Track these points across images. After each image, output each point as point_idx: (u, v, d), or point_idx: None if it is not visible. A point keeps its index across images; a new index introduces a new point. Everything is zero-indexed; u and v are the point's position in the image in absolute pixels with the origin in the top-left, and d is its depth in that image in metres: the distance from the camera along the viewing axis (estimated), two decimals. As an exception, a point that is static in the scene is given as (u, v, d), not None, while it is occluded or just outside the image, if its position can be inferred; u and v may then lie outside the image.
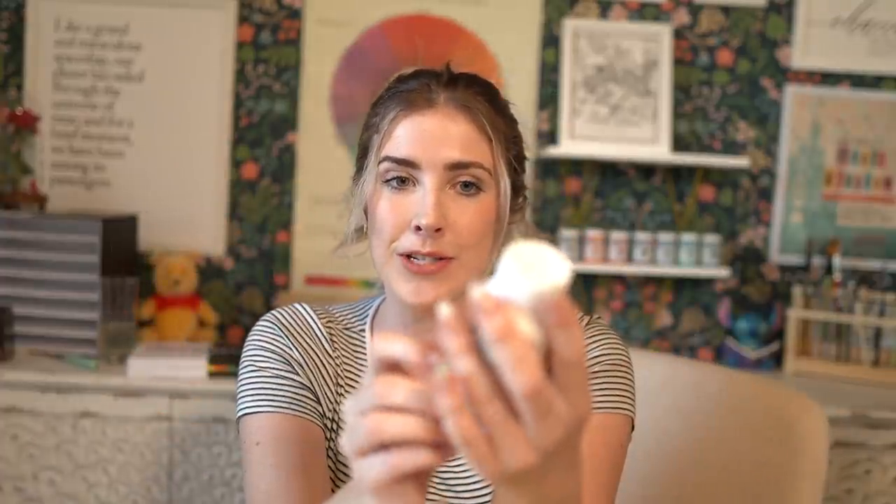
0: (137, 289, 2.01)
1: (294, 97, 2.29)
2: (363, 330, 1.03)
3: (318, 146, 2.29)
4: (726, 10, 2.33)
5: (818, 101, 2.35)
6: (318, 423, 0.94)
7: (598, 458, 0.91)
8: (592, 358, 0.98)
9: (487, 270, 0.93)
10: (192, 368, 1.88)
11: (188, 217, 2.29)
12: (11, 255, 2.01)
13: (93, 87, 2.26)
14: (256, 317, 2.29)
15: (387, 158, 0.90)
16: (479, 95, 0.93)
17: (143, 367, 1.87)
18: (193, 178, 2.29)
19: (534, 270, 0.52)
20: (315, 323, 1.00)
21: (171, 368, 1.87)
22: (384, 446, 0.53)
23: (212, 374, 1.89)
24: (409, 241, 0.88)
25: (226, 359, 1.91)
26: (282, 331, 0.98)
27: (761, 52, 2.35)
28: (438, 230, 0.87)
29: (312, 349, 0.98)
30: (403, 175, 0.90)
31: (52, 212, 2.19)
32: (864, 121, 2.35)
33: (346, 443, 0.55)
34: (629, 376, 0.99)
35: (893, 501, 1.93)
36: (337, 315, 1.04)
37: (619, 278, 2.35)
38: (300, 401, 0.94)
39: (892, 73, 2.34)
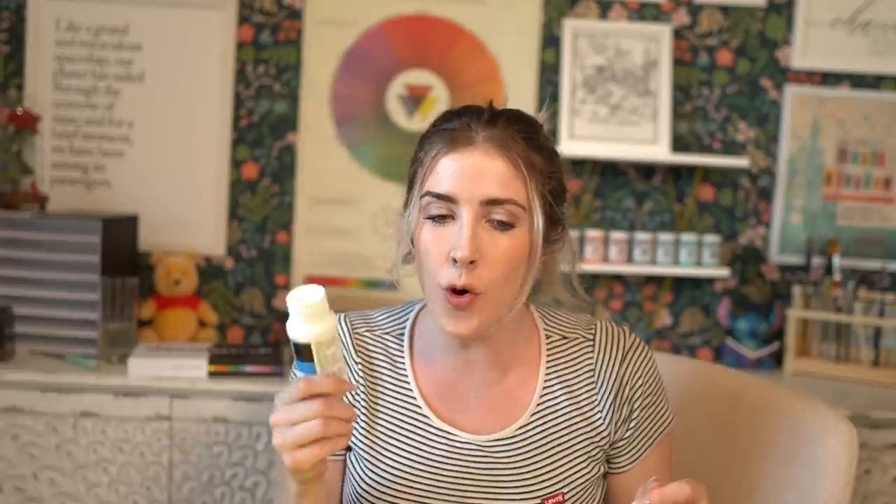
0: (137, 289, 2.02)
1: (294, 97, 2.29)
2: (402, 335, 1.09)
3: (318, 146, 2.30)
4: (726, 10, 2.34)
5: (818, 102, 2.35)
6: (335, 457, 1.07)
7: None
8: (632, 388, 1.06)
9: (520, 300, 1.00)
10: (192, 368, 1.88)
11: (188, 217, 2.29)
12: (11, 255, 2.01)
13: (93, 87, 2.26)
14: (257, 317, 2.30)
15: (428, 193, 0.97)
16: (518, 133, 0.98)
17: (143, 367, 1.87)
18: (193, 178, 2.29)
19: (307, 312, 0.83)
20: (347, 338, 1.09)
21: (171, 368, 1.87)
22: (298, 438, 0.82)
23: (212, 374, 1.89)
24: (448, 275, 0.95)
25: (226, 359, 1.91)
26: None
27: (761, 53, 2.35)
28: (472, 262, 0.93)
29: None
30: (444, 212, 0.96)
31: (53, 212, 2.19)
32: (863, 121, 2.35)
33: (276, 443, 0.84)
34: (662, 385, 1.10)
35: (893, 501, 1.93)
36: (378, 321, 1.11)
37: (619, 278, 2.35)
38: None
39: (892, 73, 2.34)
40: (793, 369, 2.21)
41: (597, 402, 1.05)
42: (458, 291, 0.95)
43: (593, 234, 2.23)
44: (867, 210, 2.37)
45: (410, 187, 1.02)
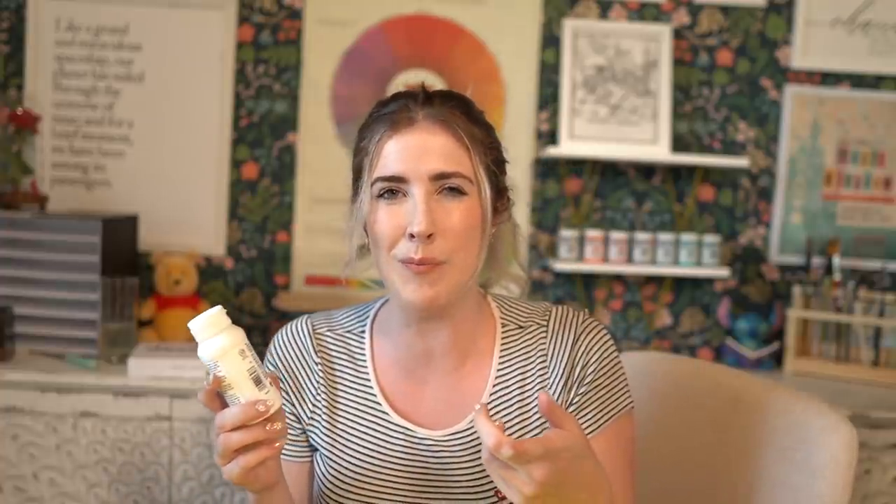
0: (137, 289, 2.02)
1: (294, 97, 2.29)
2: (363, 331, 1.10)
3: (318, 146, 2.30)
4: (726, 10, 2.34)
5: (818, 101, 2.35)
6: (300, 459, 1.10)
7: (618, 463, 1.03)
8: (583, 368, 1.04)
9: (477, 268, 1.01)
10: (192, 368, 1.88)
11: (188, 217, 2.29)
12: (11, 255, 2.01)
13: (93, 87, 2.26)
14: (256, 317, 2.30)
15: (378, 179, 0.98)
16: (455, 109, 1.00)
17: (143, 367, 1.87)
18: (193, 178, 2.29)
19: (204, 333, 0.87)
20: (308, 340, 1.11)
21: (171, 368, 1.88)
22: (237, 451, 0.87)
23: (212, 374, 1.89)
24: (405, 249, 0.96)
25: (226, 359, 1.91)
26: (276, 367, 1.12)
27: (761, 53, 2.35)
28: (430, 236, 0.95)
29: (300, 371, 1.10)
30: (394, 188, 0.97)
31: (53, 212, 2.19)
32: (863, 121, 2.35)
33: (217, 459, 0.88)
34: (621, 370, 1.07)
35: (893, 501, 1.93)
36: (341, 319, 1.13)
37: (619, 278, 2.35)
38: (290, 444, 1.09)
39: (892, 73, 2.34)
40: (793, 369, 2.21)
41: (548, 386, 1.04)
42: (417, 264, 0.96)
43: (593, 234, 2.23)
44: (867, 210, 2.37)
45: (357, 177, 1.03)
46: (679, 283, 2.37)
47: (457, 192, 0.97)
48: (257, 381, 0.87)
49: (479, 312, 1.08)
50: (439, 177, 0.96)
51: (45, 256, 2.01)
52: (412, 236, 0.95)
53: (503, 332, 1.08)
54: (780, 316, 2.30)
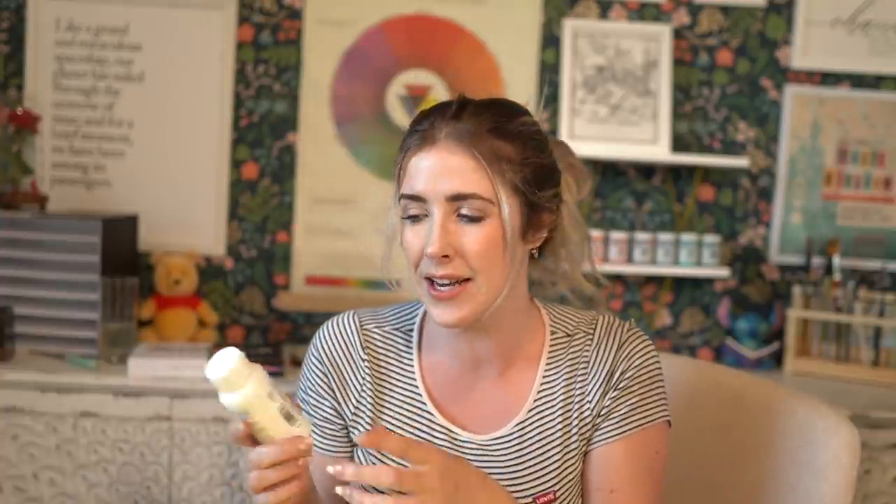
0: (137, 289, 2.02)
1: (294, 97, 2.29)
2: (411, 330, 1.10)
3: (318, 146, 2.30)
4: (726, 10, 2.34)
5: (818, 101, 2.35)
6: (340, 455, 1.10)
7: (637, 474, 1.02)
8: (621, 374, 1.03)
9: (508, 288, 0.99)
10: (192, 368, 1.88)
11: (188, 217, 2.29)
12: (11, 255, 2.01)
13: (93, 87, 2.26)
14: (257, 317, 2.30)
15: (402, 196, 0.99)
16: (485, 124, 0.97)
17: (143, 367, 1.87)
18: (193, 178, 2.29)
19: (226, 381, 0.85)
20: (355, 336, 1.10)
21: (171, 368, 1.87)
22: (268, 487, 0.88)
23: (212, 374, 1.88)
24: (427, 266, 0.97)
25: (226, 359, 1.91)
26: (321, 362, 1.10)
27: (761, 53, 2.35)
28: (445, 257, 0.95)
29: (346, 366, 1.09)
30: (418, 212, 0.98)
31: (53, 212, 2.19)
32: (863, 121, 2.35)
33: (249, 487, 0.89)
34: (659, 382, 1.06)
35: (893, 501, 1.93)
36: (388, 317, 1.13)
37: (619, 278, 2.35)
38: (330, 439, 1.10)
39: (892, 73, 2.34)
40: (793, 369, 2.21)
41: (587, 393, 1.04)
42: (441, 285, 0.96)
43: (593, 234, 2.23)
44: (867, 210, 2.37)
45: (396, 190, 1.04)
46: (679, 283, 2.37)
47: (472, 218, 0.96)
48: (288, 418, 0.87)
49: (527, 318, 1.07)
50: (456, 198, 0.95)
51: (45, 256, 2.00)
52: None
53: (552, 340, 1.07)
54: (780, 316, 2.29)
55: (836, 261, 2.27)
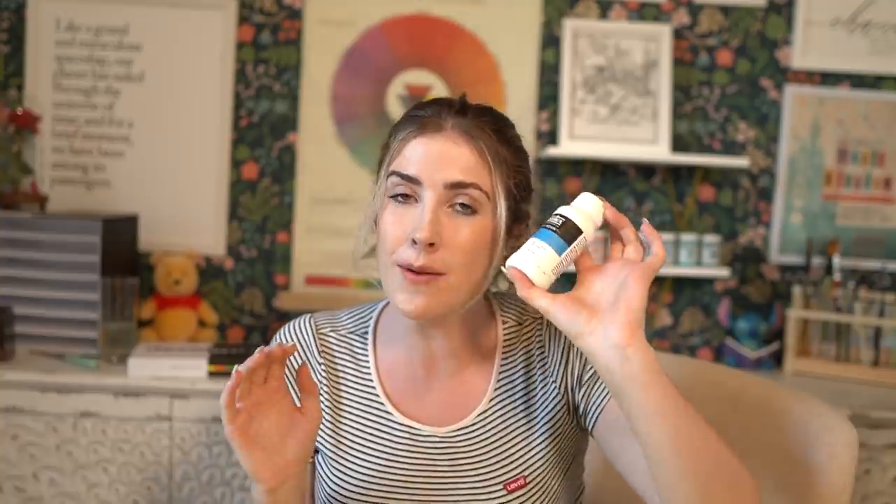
0: (137, 289, 2.02)
1: (294, 97, 2.29)
2: (366, 332, 1.11)
3: (318, 146, 2.30)
4: (726, 10, 2.34)
5: (818, 102, 2.35)
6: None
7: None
8: (577, 349, 1.02)
9: (479, 292, 1.00)
10: (192, 368, 1.88)
11: (188, 217, 2.29)
12: (11, 255, 2.01)
13: (93, 87, 2.26)
14: (256, 317, 2.30)
15: (394, 173, 0.98)
16: (488, 125, 0.99)
17: (143, 367, 1.87)
18: (193, 178, 2.29)
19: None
20: (311, 339, 1.11)
21: (171, 368, 1.87)
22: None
23: (212, 374, 1.89)
24: (406, 254, 0.95)
25: (226, 359, 1.91)
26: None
27: (761, 53, 2.35)
28: (432, 245, 0.94)
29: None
30: (407, 192, 0.97)
31: (53, 212, 2.19)
32: (863, 121, 2.35)
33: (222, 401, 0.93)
34: None
35: (893, 501, 1.93)
36: (343, 320, 1.13)
37: (619, 278, 2.35)
38: None
39: (892, 73, 2.34)
40: (793, 369, 2.21)
41: (549, 374, 1.05)
42: (415, 272, 0.95)
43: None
44: (867, 210, 2.37)
45: (380, 172, 1.04)
46: (679, 283, 2.37)
47: (469, 208, 0.96)
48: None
49: (480, 313, 1.09)
50: (455, 186, 0.96)
51: (45, 256, 2.01)
52: (414, 242, 0.94)
53: (504, 329, 1.09)
54: (780, 316, 2.30)
55: (836, 261, 2.27)
